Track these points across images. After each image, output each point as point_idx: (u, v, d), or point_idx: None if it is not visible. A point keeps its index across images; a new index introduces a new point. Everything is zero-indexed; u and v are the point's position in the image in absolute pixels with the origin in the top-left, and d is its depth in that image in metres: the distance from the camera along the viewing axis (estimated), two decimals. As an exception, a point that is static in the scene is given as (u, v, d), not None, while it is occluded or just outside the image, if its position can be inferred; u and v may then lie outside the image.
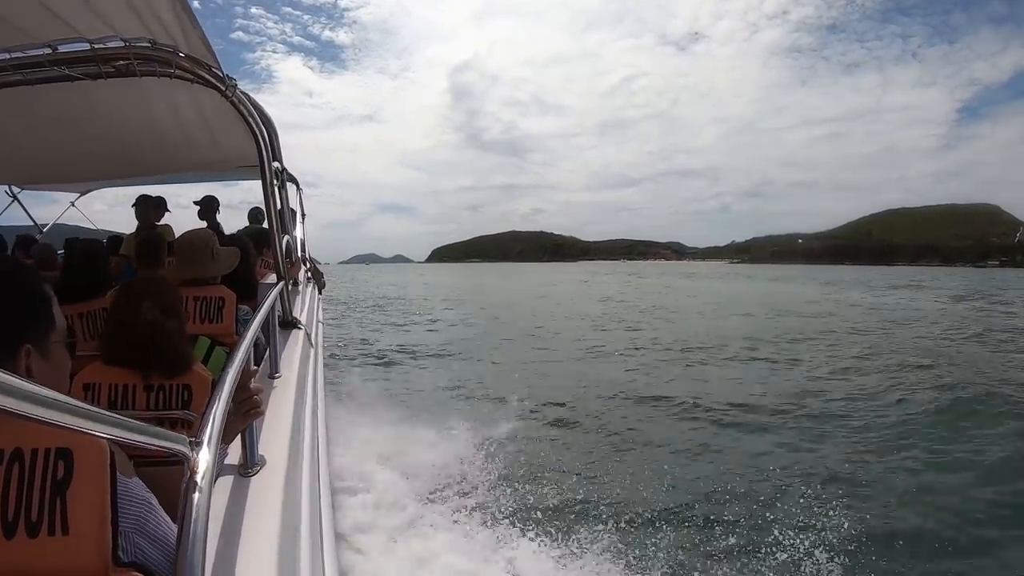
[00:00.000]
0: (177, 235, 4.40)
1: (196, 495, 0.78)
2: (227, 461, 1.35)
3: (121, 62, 1.67)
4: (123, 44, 1.62)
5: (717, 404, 8.44)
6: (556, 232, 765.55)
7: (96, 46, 1.63)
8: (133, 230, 4.83)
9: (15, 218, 5.47)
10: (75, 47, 1.66)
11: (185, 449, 0.81)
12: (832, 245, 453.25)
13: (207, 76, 1.76)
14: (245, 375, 1.21)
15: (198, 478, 0.80)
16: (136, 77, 1.71)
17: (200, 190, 5.34)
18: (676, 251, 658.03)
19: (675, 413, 8.18)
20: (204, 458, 0.83)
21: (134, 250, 3.17)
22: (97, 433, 0.60)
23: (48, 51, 1.68)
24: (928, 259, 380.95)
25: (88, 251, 2.84)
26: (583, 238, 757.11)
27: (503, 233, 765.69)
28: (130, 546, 0.82)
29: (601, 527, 4.60)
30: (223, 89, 1.84)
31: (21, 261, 4.13)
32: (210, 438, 0.87)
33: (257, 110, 2.25)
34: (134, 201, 4.80)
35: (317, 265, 6.55)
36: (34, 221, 5.81)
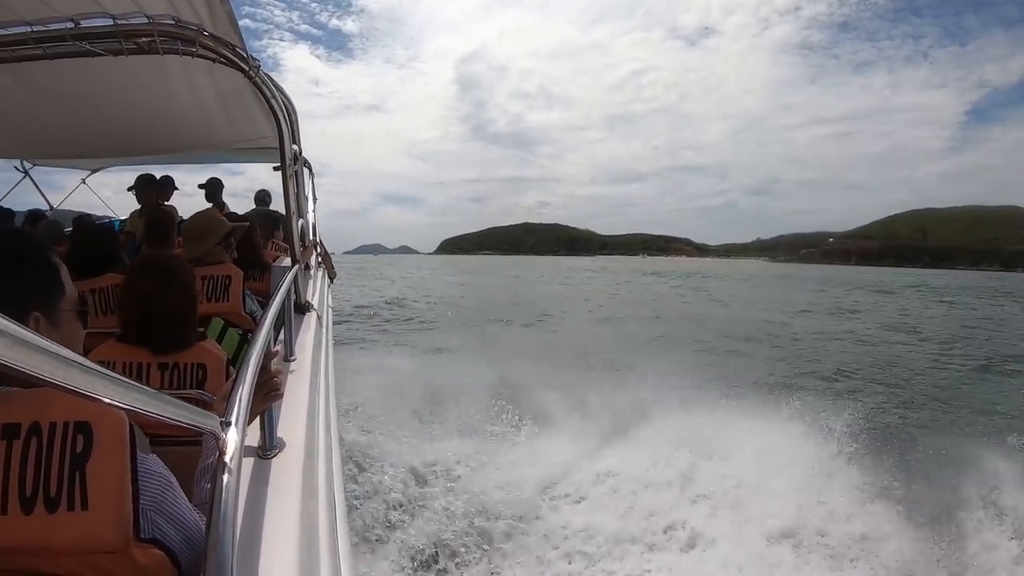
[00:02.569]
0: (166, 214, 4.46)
1: (226, 476, 0.78)
2: (246, 443, 1.39)
3: (144, 39, 1.68)
4: (147, 21, 1.64)
5: None
6: (571, 225, 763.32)
7: (119, 22, 1.65)
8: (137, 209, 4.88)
9: (28, 203, 5.57)
10: (98, 22, 1.69)
11: (217, 429, 0.82)
12: (885, 245, 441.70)
13: (231, 56, 1.77)
14: (266, 357, 1.24)
15: (227, 459, 0.81)
16: (158, 55, 1.73)
17: (207, 173, 5.40)
18: (697, 247, 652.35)
19: None
20: (233, 439, 0.84)
21: (143, 228, 3.23)
22: (124, 404, 0.59)
23: (70, 25, 1.70)
24: (989, 263, 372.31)
25: (97, 227, 2.90)
26: (598, 231, 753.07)
27: (516, 225, 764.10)
28: (147, 523, 0.83)
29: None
30: (247, 70, 1.86)
31: (27, 230, 4.22)
32: (237, 419, 0.88)
33: (280, 91, 2.27)
34: (130, 186, 4.77)
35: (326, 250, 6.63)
36: (45, 198, 5.91)
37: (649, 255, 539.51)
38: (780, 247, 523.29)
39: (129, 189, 4.74)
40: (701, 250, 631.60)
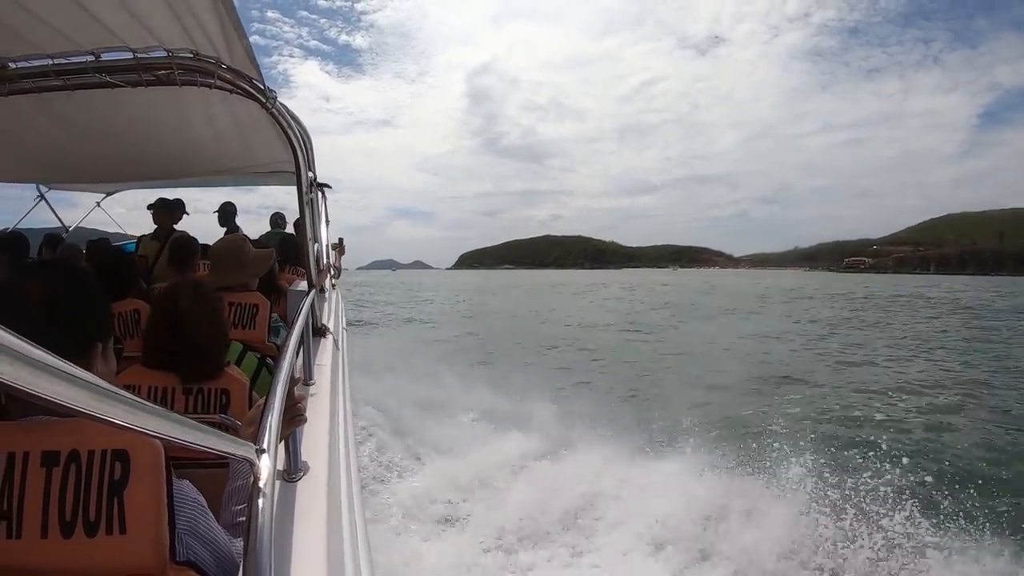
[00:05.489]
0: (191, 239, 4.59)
1: (261, 501, 0.82)
2: None
3: (162, 71, 1.76)
4: (166, 54, 1.71)
5: None
6: (594, 237, 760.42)
7: (139, 55, 1.73)
8: (149, 233, 5.04)
9: (40, 220, 5.81)
10: (118, 56, 1.77)
11: (252, 456, 0.86)
12: (965, 251, 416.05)
13: (248, 88, 1.84)
14: (290, 382, 1.29)
15: (262, 484, 0.85)
16: (176, 86, 1.81)
17: (222, 194, 5.56)
18: (729, 258, 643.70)
19: None
20: (266, 464, 0.88)
21: (167, 252, 3.34)
22: (161, 434, 0.61)
23: (91, 58, 1.79)
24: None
25: (115, 252, 3.00)
26: (622, 243, 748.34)
27: (538, 238, 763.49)
28: (183, 547, 0.89)
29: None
30: (264, 101, 1.93)
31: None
32: (269, 445, 0.93)
33: (296, 122, 2.36)
34: (150, 204, 4.99)
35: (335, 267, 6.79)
36: (61, 221, 6.14)
37: (681, 267, 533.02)
38: (821, 255, 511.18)
39: (149, 207, 4.93)
40: (735, 261, 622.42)
